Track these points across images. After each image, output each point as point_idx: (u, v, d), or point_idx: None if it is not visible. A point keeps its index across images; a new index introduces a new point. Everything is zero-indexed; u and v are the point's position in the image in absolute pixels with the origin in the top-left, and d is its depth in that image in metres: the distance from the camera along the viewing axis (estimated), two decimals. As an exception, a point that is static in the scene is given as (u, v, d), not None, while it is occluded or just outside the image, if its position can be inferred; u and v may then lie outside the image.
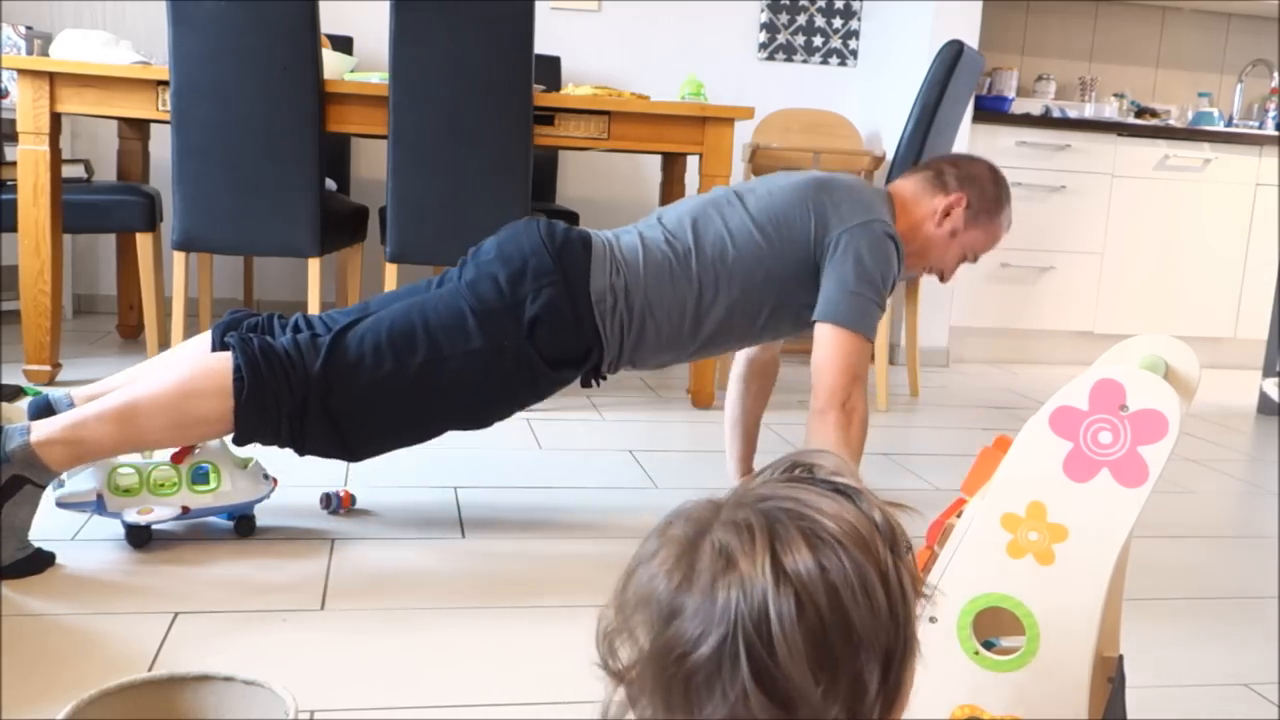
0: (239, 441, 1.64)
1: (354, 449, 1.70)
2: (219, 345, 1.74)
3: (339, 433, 1.66)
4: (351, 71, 2.96)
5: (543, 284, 1.71)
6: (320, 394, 1.63)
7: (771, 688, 0.59)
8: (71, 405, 1.75)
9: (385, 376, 1.65)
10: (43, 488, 1.53)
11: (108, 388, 1.79)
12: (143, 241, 2.98)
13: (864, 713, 0.61)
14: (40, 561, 1.55)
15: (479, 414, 1.78)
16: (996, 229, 1.97)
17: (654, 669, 0.62)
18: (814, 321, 1.81)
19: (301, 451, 1.68)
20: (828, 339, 1.79)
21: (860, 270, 1.79)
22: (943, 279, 2.03)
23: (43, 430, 1.52)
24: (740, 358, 2.18)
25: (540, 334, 1.71)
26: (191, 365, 1.62)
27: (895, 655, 0.62)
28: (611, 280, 1.76)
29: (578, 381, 1.84)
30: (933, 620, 1.04)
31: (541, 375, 1.74)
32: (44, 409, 1.72)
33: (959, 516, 1.10)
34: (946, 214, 1.92)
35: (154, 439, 1.59)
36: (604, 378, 1.84)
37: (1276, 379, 3.42)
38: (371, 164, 4.00)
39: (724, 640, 0.59)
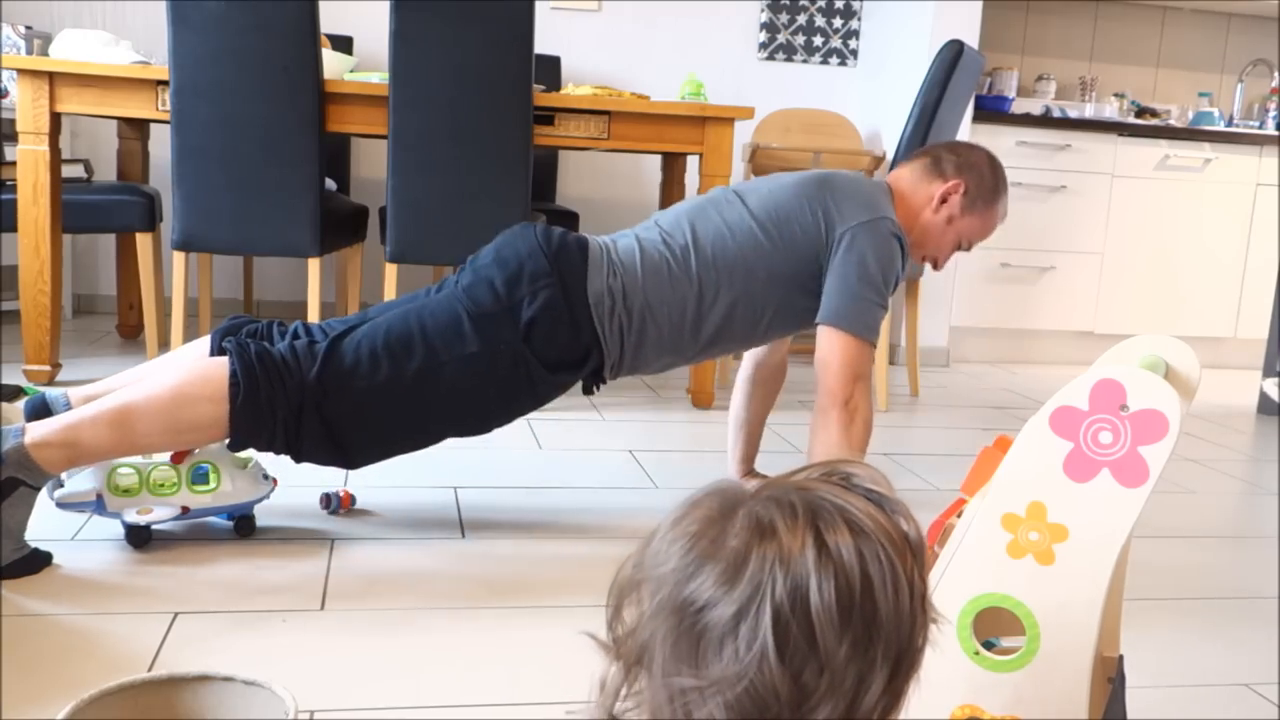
0: (234, 447, 1.63)
1: (350, 456, 1.69)
2: (217, 350, 1.74)
3: (335, 440, 1.65)
4: (351, 71, 2.96)
5: (539, 286, 1.71)
6: (316, 401, 1.62)
7: (792, 656, 0.59)
8: (68, 405, 1.75)
9: (381, 382, 1.65)
10: (38, 489, 1.53)
11: (106, 388, 1.79)
12: (142, 241, 2.98)
13: (862, 712, 0.61)
14: (37, 562, 1.55)
15: (477, 419, 1.77)
16: (993, 217, 1.97)
17: (669, 621, 0.62)
18: (816, 323, 1.81)
19: (298, 458, 1.68)
20: (830, 340, 1.78)
21: (864, 271, 1.78)
22: (936, 266, 2.02)
23: (37, 432, 1.52)
24: (747, 361, 2.17)
25: (537, 336, 1.70)
26: (188, 370, 1.62)
27: (904, 661, 0.63)
28: (609, 282, 1.75)
29: (579, 386, 1.84)
30: (932, 620, 1.04)
31: (539, 379, 1.73)
32: (40, 408, 1.72)
33: (959, 516, 1.10)
34: (944, 200, 1.92)
35: (149, 443, 1.59)
36: (604, 382, 1.83)
37: (1276, 379, 3.42)
38: (371, 164, 4.00)
39: (749, 602, 0.60)
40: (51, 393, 1.75)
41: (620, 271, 1.77)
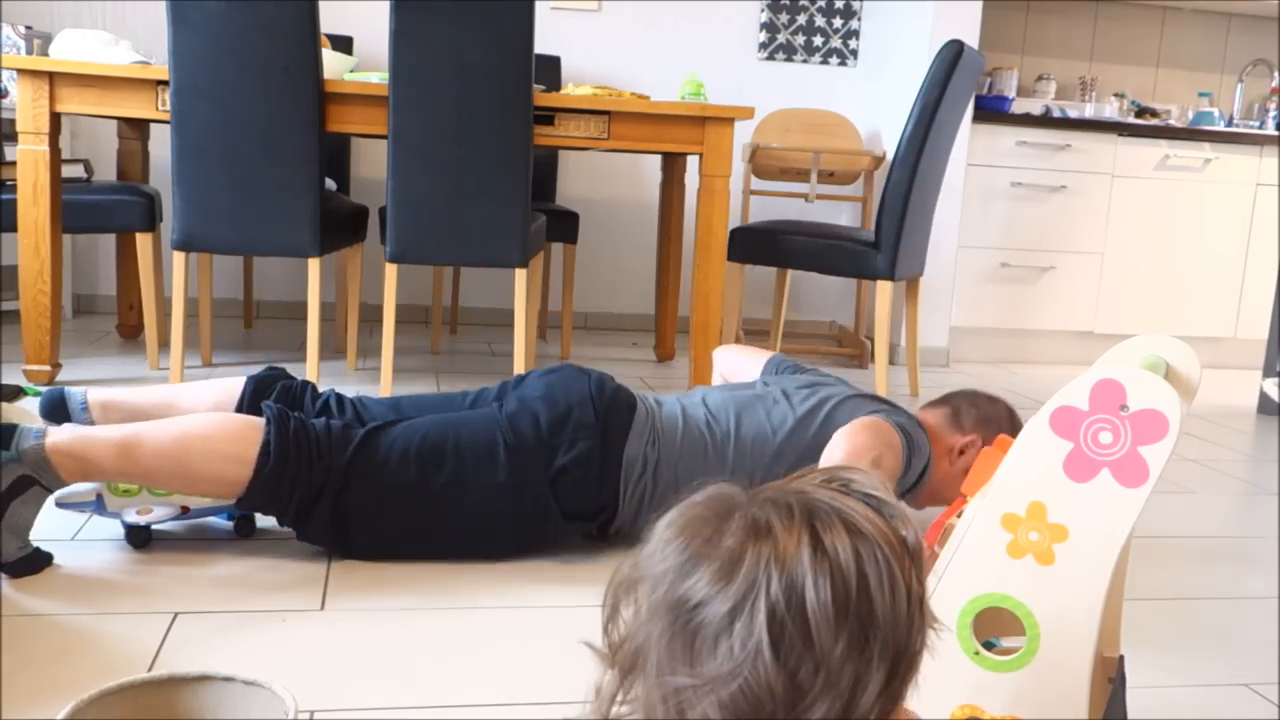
0: (241, 506, 1.63)
1: (351, 547, 1.68)
2: (251, 405, 1.74)
3: (343, 528, 1.64)
4: (351, 71, 2.96)
5: (580, 436, 1.70)
6: (337, 488, 1.62)
7: (787, 653, 0.59)
8: (84, 403, 1.75)
9: (406, 486, 1.64)
10: (50, 491, 1.53)
11: (126, 400, 1.79)
12: (142, 241, 2.98)
13: (859, 713, 0.61)
14: (39, 561, 1.55)
15: (481, 545, 1.73)
16: None
17: (665, 619, 0.63)
18: (839, 428, 1.76)
19: (300, 534, 1.67)
20: (862, 419, 1.74)
21: (899, 423, 1.77)
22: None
23: (59, 438, 1.52)
24: (721, 372, 2.21)
25: (564, 484, 1.70)
26: (219, 422, 1.61)
27: (901, 662, 0.62)
28: (645, 450, 1.75)
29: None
30: (930, 626, 1.04)
31: (553, 523, 1.72)
32: (57, 403, 1.72)
33: (959, 517, 1.10)
34: (961, 453, 1.90)
35: (160, 481, 1.58)
36: (605, 538, 1.80)
37: (1276, 379, 3.42)
38: (371, 164, 4.00)
39: (743, 600, 0.60)
40: (70, 390, 1.76)
41: (659, 441, 1.76)
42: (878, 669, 0.61)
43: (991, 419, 1.93)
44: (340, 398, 1.81)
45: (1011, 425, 1.93)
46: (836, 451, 1.67)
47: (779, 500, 0.65)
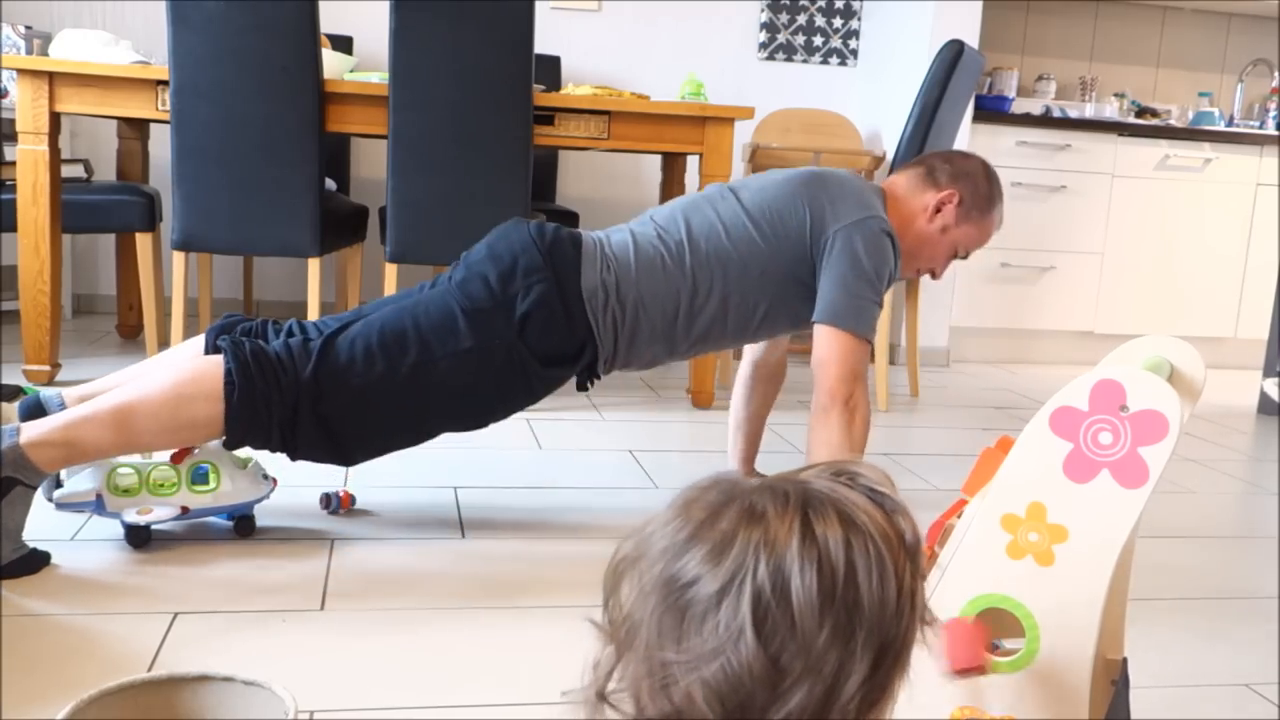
0: (230, 445, 1.64)
1: (347, 453, 1.70)
2: (211, 349, 1.74)
3: (331, 437, 1.65)
4: (351, 71, 2.96)
5: (533, 281, 1.71)
6: (312, 399, 1.62)
7: (769, 636, 0.61)
8: (62, 404, 1.75)
9: (377, 379, 1.65)
10: (34, 488, 1.53)
11: (101, 388, 1.79)
12: (142, 241, 2.98)
13: (842, 700, 0.61)
14: (35, 561, 1.55)
15: (473, 415, 1.77)
16: (988, 225, 1.96)
17: (657, 595, 0.64)
18: (813, 322, 1.81)
19: (294, 456, 1.68)
20: (828, 339, 1.78)
21: (858, 269, 1.78)
22: (934, 276, 2.01)
23: (33, 431, 1.52)
24: (746, 361, 2.17)
25: (531, 331, 1.70)
26: (183, 369, 1.62)
27: (888, 654, 0.63)
28: (603, 276, 1.75)
29: (573, 384, 1.84)
30: (925, 623, 1.04)
31: (534, 373, 1.73)
32: (35, 408, 1.72)
33: (959, 517, 1.09)
34: (938, 210, 1.91)
35: (146, 442, 1.59)
36: (598, 377, 1.83)
37: (1276, 379, 3.42)
38: (371, 164, 4.00)
39: (730, 580, 0.62)
40: (45, 392, 1.75)
41: (614, 265, 1.77)
42: (862, 658, 0.62)
43: (967, 173, 1.94)
44: (302, 324, 1.78)
45: (987, 178, 1.95)
46: (826, 431, 1.74)
47: (778, 489, 0.66)
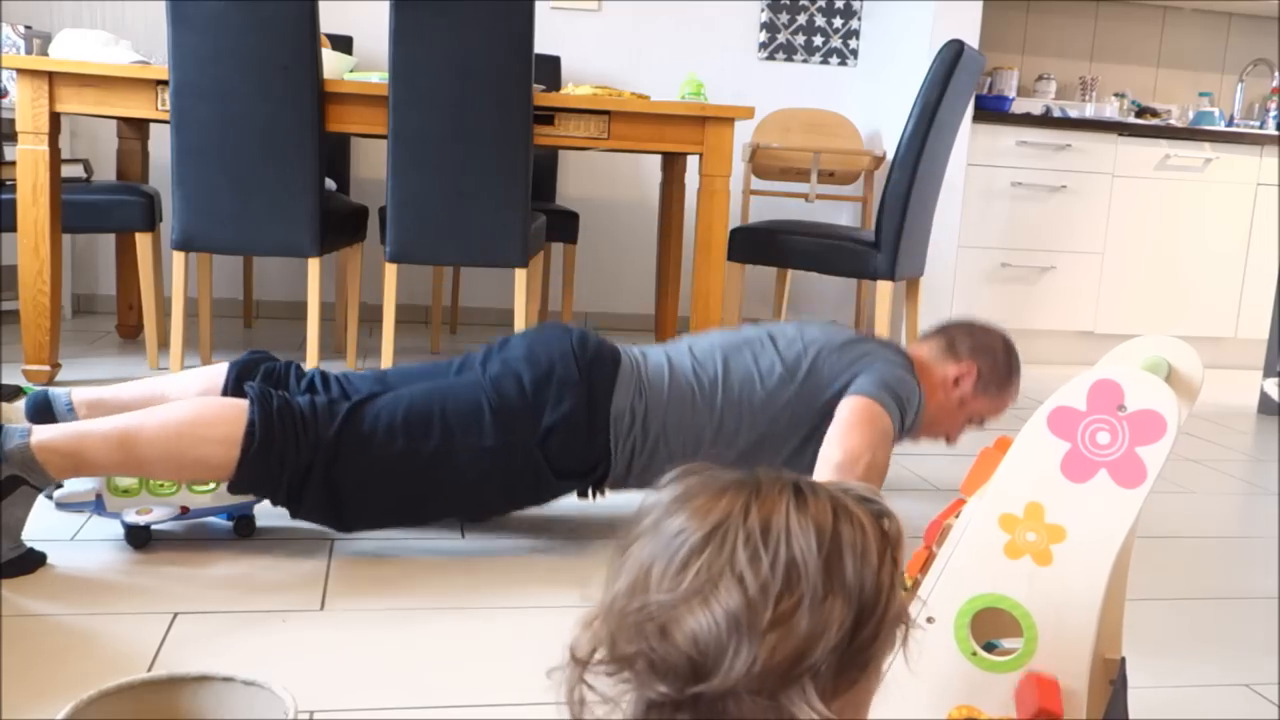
0: (233, 490, 1.63)
1: (346, 521, 1.69)
2: (234, 388, 1.74)
3: (335, 502, 1.65)
4: (351, 71, 2.96)
5: (565, 393, 1.70)
6: (326, 462, 1.62)
7: (748, 583, 0.63)
8: (69, 403, 1.75)
9: (394, 456, 1.64)
10: (39, 490, 1.53)
11: (114, 395, 1.79)
12: (142, 241, 2.98)
13: (810, 659, 0.62)
14: (32, 561, 1.55)
15: (474, 508, 1.76)
16: (1004, 399, 1.97)
17: (646, 541, 0.68)
18: (841, 400, 1.77)
19: (294, 513, 1.67)
20: (857, 405, 1.73)
21: (887, 383, 1.77)
22: (949, 442, 2.03)
23: (44, 435, 1.52)
24: None
25: (553, 443, 1.70)
26: (204, 406, 1.61)
27: (863, 628, 0.65)
28: (633, 402, 1.74)
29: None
30: (930, 621, 1.04)
31: (545, 482, 1.73)
32: (42, 405, 1.72)
33: (957, 517, 1.10)
34: (956, 383, 1.91)
35: (151, 470, 1.59)
36: (603, 493, 1.82)
37: (1276, 379, 3.42)
38: (371, 164, 4.00)
39: (717, 529, 0.65)
40: (54, 391, 1.75)
41: (646, 392, 1.76)
42: (837, 623, 0.63)
43: (987, 348, 1.94)
44: (325, 375, 1.78)
45: (1007, 353, 1.96)
46: (834, 451, 1.67)
47: (772, 472, 0.70)
